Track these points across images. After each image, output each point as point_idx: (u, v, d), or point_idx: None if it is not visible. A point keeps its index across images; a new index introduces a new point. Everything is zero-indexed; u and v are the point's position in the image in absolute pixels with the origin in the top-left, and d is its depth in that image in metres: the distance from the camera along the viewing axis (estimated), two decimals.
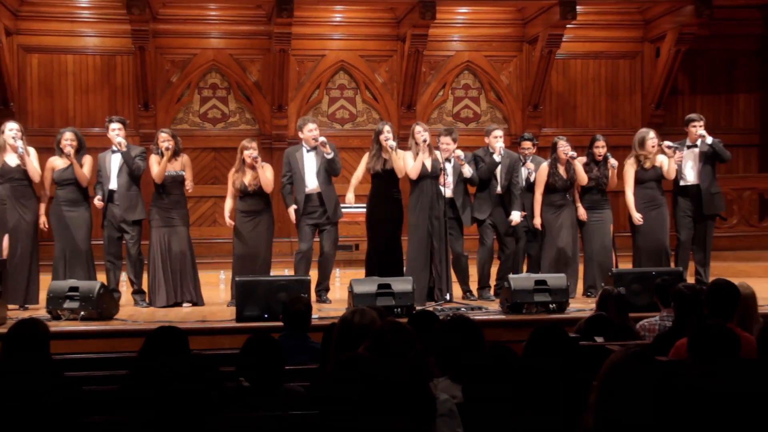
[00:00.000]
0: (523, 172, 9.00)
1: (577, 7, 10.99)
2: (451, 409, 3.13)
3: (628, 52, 12.59)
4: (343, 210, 8.88)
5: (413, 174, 8.38)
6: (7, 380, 3.83)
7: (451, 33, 12.22)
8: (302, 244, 8.57)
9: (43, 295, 7.82)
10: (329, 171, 8.56)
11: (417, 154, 8.41)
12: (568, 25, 11.38)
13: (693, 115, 9.17)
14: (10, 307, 7.70)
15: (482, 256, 8.83)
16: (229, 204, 8.55)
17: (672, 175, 8.80)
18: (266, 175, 8.39)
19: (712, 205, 9.00)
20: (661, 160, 8.80)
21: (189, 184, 8.49)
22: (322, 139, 8.52)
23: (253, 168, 8.35)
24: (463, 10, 12.04)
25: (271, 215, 8.61)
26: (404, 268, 8.57)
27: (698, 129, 8.89)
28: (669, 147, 8.80)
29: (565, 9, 10.92)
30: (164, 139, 8.43)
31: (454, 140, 8.61)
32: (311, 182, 8.54)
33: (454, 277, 8.70)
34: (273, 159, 10.67)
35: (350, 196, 8.68)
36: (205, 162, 11.52)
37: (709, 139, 8.84)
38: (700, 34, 11.79)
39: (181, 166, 8.48)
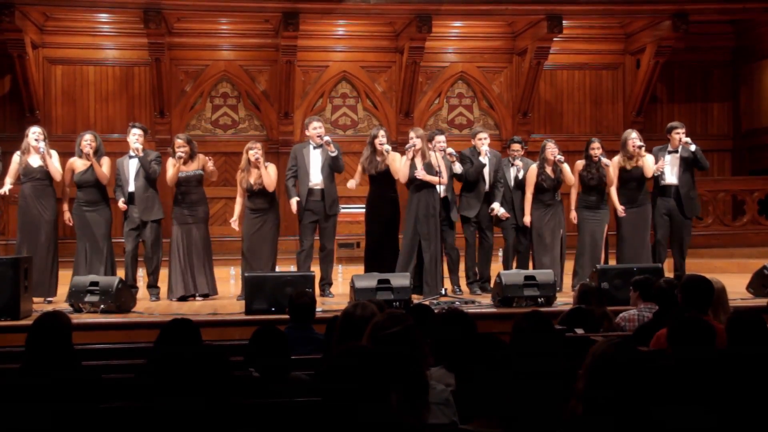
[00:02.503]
0: (512, 171, 8.99)
1: (563, 21, 11.01)
2: (447, 399, 3.11)
3: (610, 63, 12.60)
4: (344, 210, 8.85)
5: (401, 178, 8.37)
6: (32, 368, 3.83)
7: (446, 45, 12.22)
8: (304, 242, 8.56)
9: (64, 290, 7.81)
10: (332, 168, 8.55)
11: (411, 158, 8.37)
12: (554, 39, 11.39)
13: (676, 123, 9.09)
14: (35, 300, 7.68)
15: (467, 252, 8.82)
16: (239, 203, 8.54)
17: (649, 174, 8.76)
18: (269, 174, 8.37)
19: (691, 209, 8.98)
20: (643, 160, 8.76)
21: (209, 170, 8.46)
22: (326, 138, 8.49)
23: (257, 167, 8.33)
24: (458, 24, 12.04)
25: (277, 213, 8.59)
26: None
27: (682, 136, 8.83)
28: (640, 147, 8.76)
29: (552, 23, 10.94)
30: (179, 146, 8.40)
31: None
32: (315, 177, 8.51)
33: (445, 272, 8.69)
34: (280, 163, 10.63)
35: (351, 183, 8.65)
36: (216, 166, 11.38)
37: (693, 147, 8.80)
38: (677, 47, 11.81)
39: (198, 166, 8.46)
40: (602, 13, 11.44)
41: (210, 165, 8.44)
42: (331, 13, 11.04)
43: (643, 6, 11.18)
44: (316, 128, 8.54)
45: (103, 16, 11.45)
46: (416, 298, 7.75)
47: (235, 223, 8.53)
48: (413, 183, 8.36)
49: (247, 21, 11.63)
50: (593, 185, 8.74)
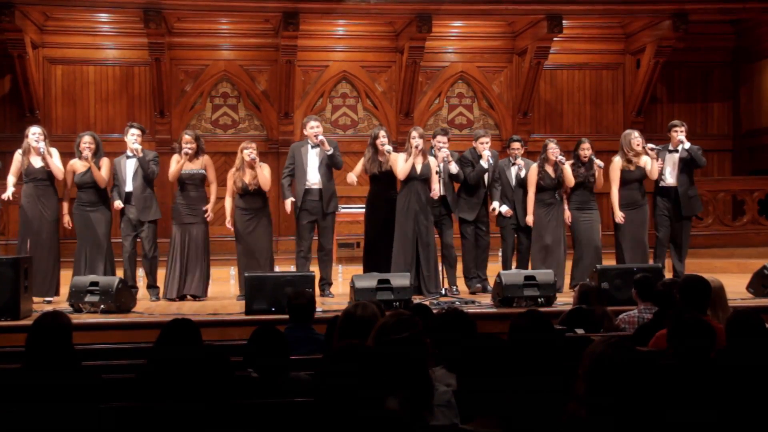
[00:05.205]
0: (513, 170, 8.99)
1: (563, 21, 11.01)
2: (449, 401, 3.11)
3: (610, 63, 12.60)
4: (344, 210, 8.82)
5: (401, 175, 8.34)
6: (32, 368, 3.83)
7: (446, 45, 12.22)
8: (302, 243, 8.54)
9: (65, 290, 7.81)
10: (330, 165, 8.54)
11: (409, 156, 8.36)
12: (554, 39, 11.39)
13: (675, 122, 9.08)
14: (35, 300, 7.68)
15: (466, 250, 8.82)
16: (228, 203, 8.50)
17: (655, 176, 8.75)
18: (264, 174, 8.35)
19: (690, 207, 8.97)
20: (645, 161, 8.75)
21: (213, 188, 8.50)
22: (321, 138, 8.47)
23: (252, 167, 8.32)
24: (458, 23, 12.04)
25: (269, 213, 8.58)
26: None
27: (679, 134, 8.83)
28: (652, 149, 8.75)
29: (552, 23, 10.94)
30: (186, 141, 8.39)
31: (448, 140, 8.61)
32: (312, 177, 8.49)
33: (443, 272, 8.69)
34: (279, 163, 10.67)
35: (351, 178, 8.61)
36: (217, 166, 11.31)
37: (687, 145, 8.79)
38: (677, 47, 11.81)
39: (202, 165, 8.45)
40: (602, 13, 11.45)
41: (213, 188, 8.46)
42: (331, 13, 11.04)
43: (643, 6, 11.18)
44: (313, 128, 8.53)
45: (103, 16, 11.45)
46: (414, 298, 7.74)
47: (230, 223, 8.50)
48: (408, 180, 8.32)
49: (247, 21, 11.64)
50: (581, 182, 8.75)
